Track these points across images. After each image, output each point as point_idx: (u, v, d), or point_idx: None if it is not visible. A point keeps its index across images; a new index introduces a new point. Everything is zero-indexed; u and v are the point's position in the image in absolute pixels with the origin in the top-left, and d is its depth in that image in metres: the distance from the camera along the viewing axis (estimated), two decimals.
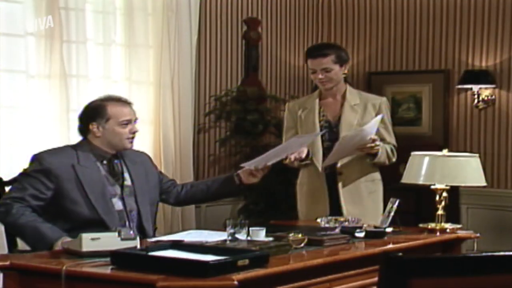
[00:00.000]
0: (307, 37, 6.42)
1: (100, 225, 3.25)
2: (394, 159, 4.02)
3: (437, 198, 3.62)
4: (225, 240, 3.04)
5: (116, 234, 2.84)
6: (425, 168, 3.60)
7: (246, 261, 2.58)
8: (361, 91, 4.29)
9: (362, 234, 3.33)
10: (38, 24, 4.60)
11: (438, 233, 3.56)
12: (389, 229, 3.44)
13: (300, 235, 3.03)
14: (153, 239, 3.19)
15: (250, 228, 3.07)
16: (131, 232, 2.88)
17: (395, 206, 3.48)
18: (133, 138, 3.43)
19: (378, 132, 3.94)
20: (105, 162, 3.40)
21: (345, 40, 6.36)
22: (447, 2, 5.96)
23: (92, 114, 3.41)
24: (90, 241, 2.82)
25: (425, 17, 6.01)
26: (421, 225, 3.67)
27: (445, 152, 3.70)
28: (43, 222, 3.20)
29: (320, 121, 4.02)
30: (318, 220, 3.57)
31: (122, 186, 3.41)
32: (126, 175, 3.44)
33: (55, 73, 4.64)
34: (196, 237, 3.21)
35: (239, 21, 5.93)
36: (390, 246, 3.22)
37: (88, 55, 4.84)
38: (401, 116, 6.13)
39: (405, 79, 6.11)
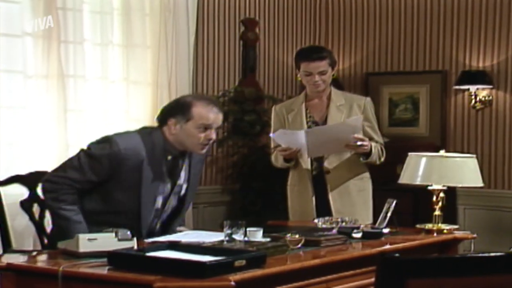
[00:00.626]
0: (305, 37, 6.42)
1: (135, 218, 3.23)
2: (383, 158, 4.07)
3: (434, 198, 3.63)
4: (222, 241, 3.04)
5: (113, 234, 2.84)
6: (422, 168, 3.61)
7: (243, 262, 2.58)
8: (345, 92, 4.41)
9: (359, 235, 3.33)
10: (35, 24, 4.59)
11: (435, 234, 3.56)
12: (386, 230, 3.45)
13: (297, 236, 3.03)
14: (150, 240, 3.19)
15: (247, 229, 3.07)
16: (128, 232, 2.88)
17: (392, 206, 3.49)
18: (207, 145, 3.28)
19: (365, 132, 4.01)
20: (169, 158, 3.30)
21: (343, 40, 6.36)
22: (444, 2, 5.96)
23: (176, 109, 3.28)
24: (87, 241, 2.82)
25: (422, 17, 6.01)
26: (418, 225, 3.67)
27: (442, 152, 3.71)
28: (80, 222, 3.15)
29: (307, 122, 4.08)
30: (316, 220, 3.58)
31: (173, 185, 3.35)
32: (182, 173, 3.36)
33: (52, 73, 4.64)
34: (193, 238, 3.21)
35: (237, 22, 5.93)
36: (387, 246, 3.23)
37: (85, 55, 4.83)
38: (399, 116, 6.13)
39: (402, 79, 6.11)
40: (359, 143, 3.85)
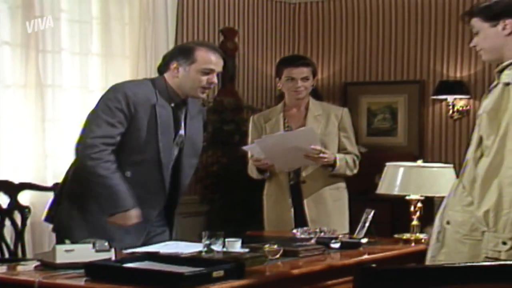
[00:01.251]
0: (284, 47, 6.44)
1: (156, 168, 3.24)
2: (355, 170, 4.09)
3: (412, 208, 3.65)
4: (201, 252, 3.04)
5: (91, 245, 2.83)
6: (400, 178, 3.63)
7: (221, 273, 2.57)
8: (323, 103, 4.46)
9: (337, 245, 3.34)
10: (13, 33, 4.57)
11: (413, 244, 3.58)
12: (364, 240, 3.45)
13: (275, 246, 3.03)
14: (129, 251, 3.17)
15: (226, 239, 3.07)
16: (106, 243, 2.86)
17: (370, 216, 3.50)
18: (207, 88, 3.33)
19: (341, 142, 4.05)
20: (173, 105, 3.32)
21: (321, 50, 6.39)
22: (422, 13, 6.01)
23: (178, 53, 3.32)
24: (64, 252, 2.80)
25: (400, 28, 6.06)
26: (396, 235, 3.68)
27: (419, 162, 3.73)
28: (123, 184, 3.17)
29: (285, 132, 4.12)
30: (294, 231, 3.58)
31: (176, 134, 3.35)
32: (183, 124, 3.38)
33: (30, 82, 4.62)
34: (172, 249, 3.20)
35: (216, 31, 5.94)
36: (365, 257, 3.23)
37: (64, 65, 4.82)
38: (377, 126, 6.16)
39: (380, 89, 6.15)
40: (321, 154, 3.90)
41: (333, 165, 3.98)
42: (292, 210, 4.06)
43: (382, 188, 3.71)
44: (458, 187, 2.58)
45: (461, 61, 5.88)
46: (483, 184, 2.41)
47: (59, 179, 4.22)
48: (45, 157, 4.69)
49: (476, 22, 2.65)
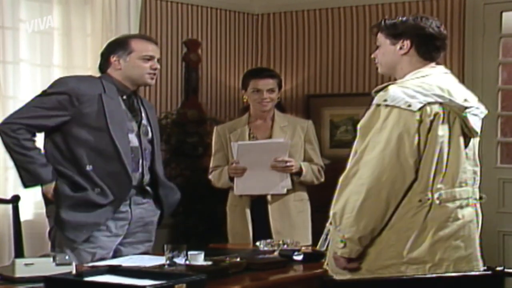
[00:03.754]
0: (247, 59, 6.45)
1: (114, 158, 3.28)
2: (322, 179, 4.20)
3: None
4: (163, 265, 3.02)
5: (51, 259, 2.79)
6: None
7: (183, 286, 2.57)
8: (287, 115, 4.51)
9: (300, 257, 3.34)
10: None
11: None
12: (326, 252, 3.46)
13: (238, 259, 3.03)
14: (90, 264, 3.14)
15: (188, 252, 3.06)
16: (67, 257, 2.83)
17: None
18: (154, 74, 3.41)
19: (306, 154, 4.15)
20: (125, 97, 3.39)
21: (284, 63, 6.41)
22: None
23: (114, 47, 3.42)
24: (23, 266, 2.77)
25: (362, 40, 6.11)
26: None
27: None
28: (42, 161, 3.27)
29: None
30: (257, 243, 3.58)
31: (139, 124, 3.38)
32: (143, 115, 3.45)
33: None
34: (135, 262, 3.18)
35: (179, 43, 5.93)
36: (327, 268, 3.24)
37: (24, 76, 4.76)
38: (339, 138, 6.19)
39: (342, 101, 6.19)
40: (284, 164, 3.95)
41: (299, 172, 4.04)
42: (257, 220, 4.07)
43: None
44: None
45: None
46: (339, 190, 2.71)
47: (20, 192, 4.18)
48: (5, 169, 4.62)
49: (381, 37, 2.86)
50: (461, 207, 2.71)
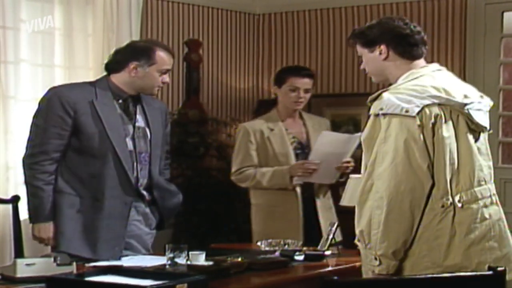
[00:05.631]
0: (248, 59, 6.45)
1: (115, 162, 3.29)
2: None
3: None
4: (165, 265, 3.02)
5: (52, 259, 2.80)
6: None
7: (185, 286, 2.57)
8: (307, 113, 4.48)
9: (301, 257, 3.34)
10: None
11: None
12: (328, 252, 3.46)
13: (239, 259, 3.03)
14: (91, 264, 3.14)
15: (190, 252, 3.06)
16: (67, 257, 2.83)
17: (333, 229, 3.51)
18: (161, 87, 3.47)
19: None
20: (120, 101, 3.38)
21: (286, 63, 6.41)
22: None
23: (138, 54, 3.38)
24: (24, 266, 2.77)
25: None
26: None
27: None
28: (47, 198, 3.29)
29: (292, 143, 4.09)
30: (258, 243, 3.58)
31: (134, 127, 3.39)
32: (139, 117, 3.44)
33: None
34: (136, 262, 3.18)
35: (180, 43, 5.93)
36: (329, 269, 3.24)
37: (25, 76, 4.76)
38: None
39: (344, 101, 6.18)
40: (348, 165, 3.95)
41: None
42: (303, 222, 4.04)
43: (345, 200, 3.73)
44: None
45: None
46: (359, 207, 2.64)
47: (20, 192, 4.18)
48: (7, 169, 4.63)
49: (359, 47, 2.85)
50: (485, 206, 2.63)
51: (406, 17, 5.87)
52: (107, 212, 3.30)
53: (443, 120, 2.60)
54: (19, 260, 2.79)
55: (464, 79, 5.70)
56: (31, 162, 3.31)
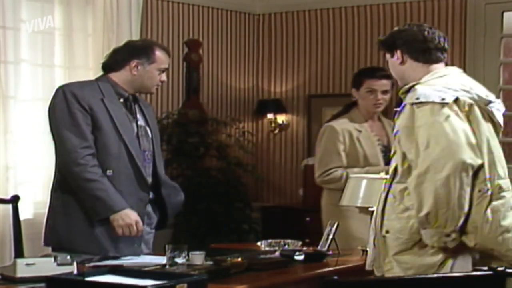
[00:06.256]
0: (248, 59, 6.45)
1: (129, 160, 3.29)
2: None
3: None
4: (165, 265, 3.02)
5: (52, 259, 2.79)
6: (363, 190, 3.64)
7: (185, 286, 2.56)
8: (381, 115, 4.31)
9: (301, 257, 3.34)
10: None
11: None
12: (328, 252, 3.46)
13: (239, 259, 3.03)
14: (91, 264, 3.14)
15: (190, 252, 3.06)
16: (68, 257, 2.83)
17: (333, 229, 3.51)
18: (159, 86, 3.48)
19: None
20: (122, 100, 3.39)
21: (285, 63, 6.41)
22: (384, 27, 6.06)
23: (139, 51, 3.39)
24: (24, 266, 2.76)
25: (363, 40, 6.11)
26: (359, 247, 3.70)
27: (382, 174, 3.75)
28: (112, 187, 3.24)
29: (378, 145, 4.06)
30: (259, 243, 3.58)
31: (137, 125, 3.42)
32: (139, 116, 3.45)
33: None
34: (137, 262, 3.18)
35: (180, 43, 5.93)
36: (329, 269, 3.24)
37: (25, 76, 4.77)
38: None
39: (343, 101, 6.14)
40: None
41: None
42: None
43: (345, 200, 3.73)
44: (389, 198, 2.82)
45: None
46: (417, 191, 2.68)
47: (20, 192, 4.18)
48: (6, 169, 4.63)
49: (385, 53, 3.01)
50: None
51: (406, 17, 5.91)
52: None
53: (477, 112, 2.75)
54: (19, 260, 2.79)
55: None
56: (77, 159, 3.20)
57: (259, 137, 6.47)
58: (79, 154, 3.22)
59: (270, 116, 6.35)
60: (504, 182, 2.77)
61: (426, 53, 2.88)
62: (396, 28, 3.01)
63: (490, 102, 2.80)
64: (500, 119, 2.85)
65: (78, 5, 5.02)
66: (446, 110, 2.69)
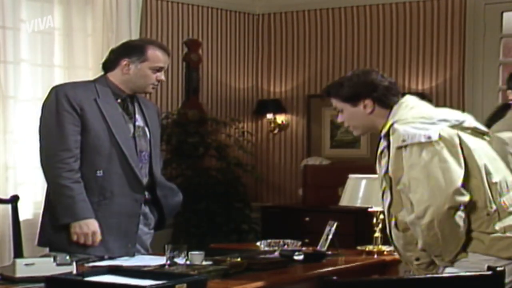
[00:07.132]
0: (248, 59, 6.46)
1: (122, 161, 3.27)
2: None
3: (375, 220, 3.67)
4: (164, 265, 3.02)
5: (51, 259, 2.79)
6: (362, 191, 3.65)
7: (184, 286, 2.56)
8: None
9: (301, 257, 3.34)
10: None
11: (375, 255, 3.59)
12: (327, 252, 3.46)
13: (239, 259, 3.03)
14: (90, 264, 3.14)
15: (189, 252, 3.06)
16: (67, 257, 2.83)
17: (333, 228, 3.51)
18: (156, 85, 3.42)
19: None
20: (119, 100, 3.37)
21: (285, 63, 6.42)
22: (383, 27, 6.07)
23: (129, 50, 3.37)
24: (24, 266, 2.76)
25: (363, 42, 6.11)
26: (359, 247, 3.70)
27: None
28: (83, 195, 3.22)
29: None
30: (258, 243, 3.58)
31: (134, 126, 3.39)
32: (138, 116, 3.43)
33: None
34: (135, 262, 3.18)
35: (180, 43, 5.93)
36: (328, 269, 3.24)
37: (25, 76, 4.77)
38: (340, 138, 6.20)
39: None
40: None
41: None
42: None
43: (344, 200, 3.73)
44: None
45: (422, 74, 5.94)
46: (412, 229, 2.70)
47: (19, 192, 4.18)
48: (6, 169, 4.63)
49: (338, 102, 2.90)
50: None
51: (406, 17, 5.91)
52: (117, 210, 3.28)
53: (463, 136, 2.71)
54: (18, 260, 2.79)
55: (463, 79, 5.73)
56: (54, 161, 3.22)
57: (258, 137, 6.48)
58: (57, 157, 3.22)
59: (269, 116, 6.36)
60: (511, 195, 2.73)
61: (395, 98, 2.82)
62: (348, 75, 2.92)
63: (464, 121, 2.76)
64: (483, 127, 2.83)
65: (78, 5, 5.03)
66: (431, 149, 2.65)
